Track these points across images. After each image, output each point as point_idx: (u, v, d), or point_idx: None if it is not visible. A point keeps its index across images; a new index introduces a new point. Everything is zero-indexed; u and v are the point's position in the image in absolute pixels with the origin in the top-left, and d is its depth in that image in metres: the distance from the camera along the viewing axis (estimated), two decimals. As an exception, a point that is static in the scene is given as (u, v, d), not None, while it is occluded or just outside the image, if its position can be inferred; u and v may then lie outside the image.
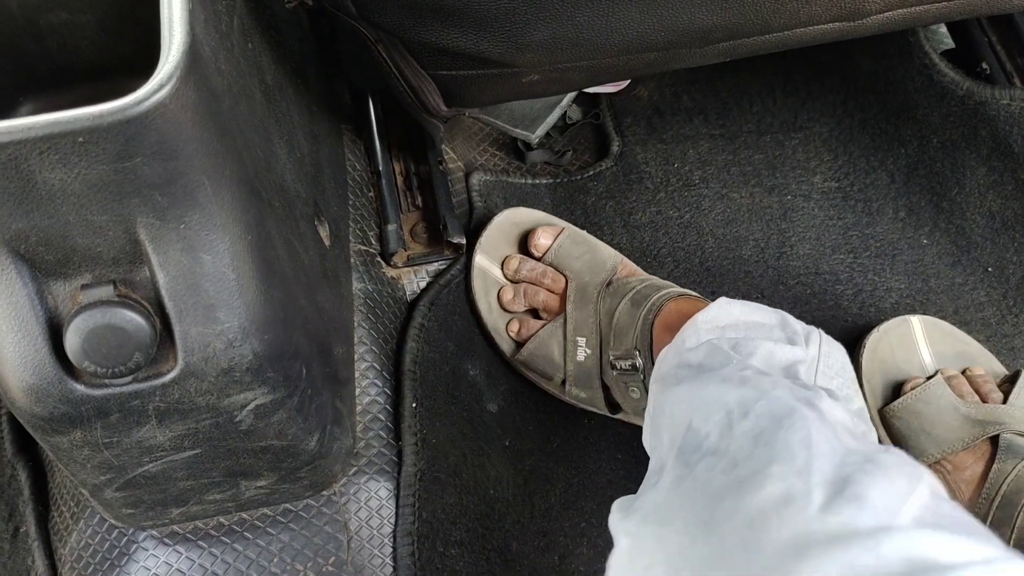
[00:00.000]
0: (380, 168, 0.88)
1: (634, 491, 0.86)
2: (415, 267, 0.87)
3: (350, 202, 0.85)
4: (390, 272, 0.85)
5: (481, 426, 0.84)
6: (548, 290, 0.85)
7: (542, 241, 0.86)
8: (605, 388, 0.82)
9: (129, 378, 0.53)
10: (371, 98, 0.90)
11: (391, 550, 0.71)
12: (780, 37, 0.69)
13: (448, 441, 0.79)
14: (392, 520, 0.72)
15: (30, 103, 0.59)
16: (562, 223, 0.90)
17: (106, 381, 0.53)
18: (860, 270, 0.95)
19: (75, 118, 0.43)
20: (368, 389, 0.77)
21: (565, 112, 1.02)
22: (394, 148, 0.92)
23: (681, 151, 1.02)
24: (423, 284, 0.87)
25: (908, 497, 0.46)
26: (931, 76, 0.97)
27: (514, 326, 0.86)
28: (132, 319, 0.51)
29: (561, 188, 1.00)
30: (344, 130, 0.90)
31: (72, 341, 0.50)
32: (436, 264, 0.88)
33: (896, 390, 0.85)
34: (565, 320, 0.82)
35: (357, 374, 0.77)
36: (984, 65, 0.96)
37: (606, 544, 0.84)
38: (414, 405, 0.77)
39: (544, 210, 0.93)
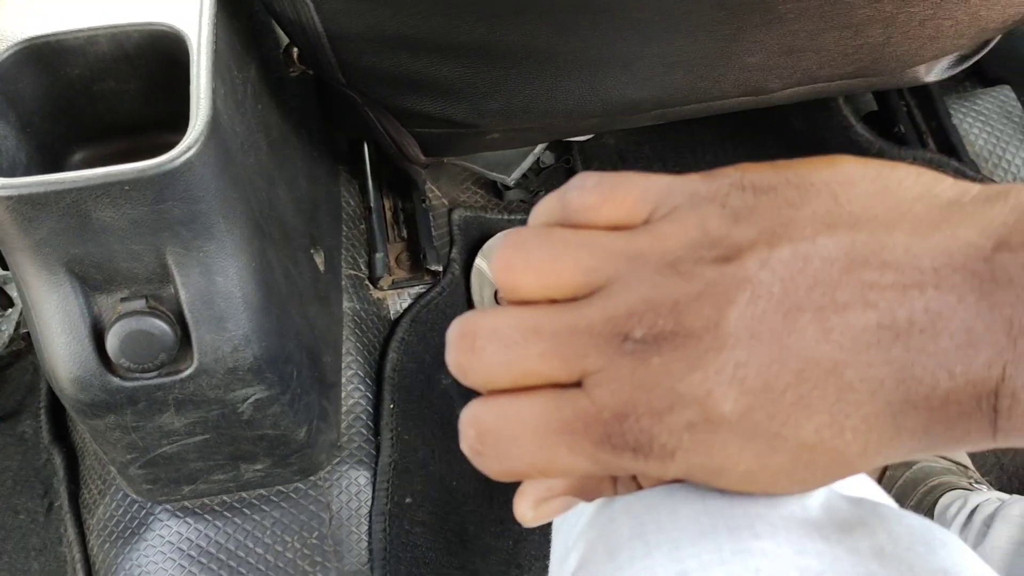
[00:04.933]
0: (372, 204, 1.02)
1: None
2: (399, 290, 1.01)
3: (344, 233, 0.99)
4: (377, 294, 0.99)
5: (451, 428, 0.97)
6: None
7: None
8: None
9: (155, 373, 0.66)
10: (366, 144, 1.04)
11: (366, 527, 0.84)
12: (701, 107, 0.82)
13: (419, 438, 0.92)
14: (368, 503, 0.85)
15: (81, 151, 0.73)
16: None
17: (137, 375, 0.66)
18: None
19: (124, 171, 0.57)
20: (352, 393, 0.90)
21: (539, 157, 1.16)
22: (385, 187, 1.06)
23: (640, 193, 1.16)
24: (405, 305, 1.01)
25: None
26: (849, 136, 1.10)
27: None
28: (159, 326, 0.64)
29: (533, 224, 1.13)
30: (341, 171, 1.04)
31: (112, 342, 0.64)
32: (417, 288, 1.01)
33: None
34: None
35: (344, 380, 0.90)
36: (900, 127, 1.09)
37: (556, 534, 0.97)
38: (392, 406, 0.90)
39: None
